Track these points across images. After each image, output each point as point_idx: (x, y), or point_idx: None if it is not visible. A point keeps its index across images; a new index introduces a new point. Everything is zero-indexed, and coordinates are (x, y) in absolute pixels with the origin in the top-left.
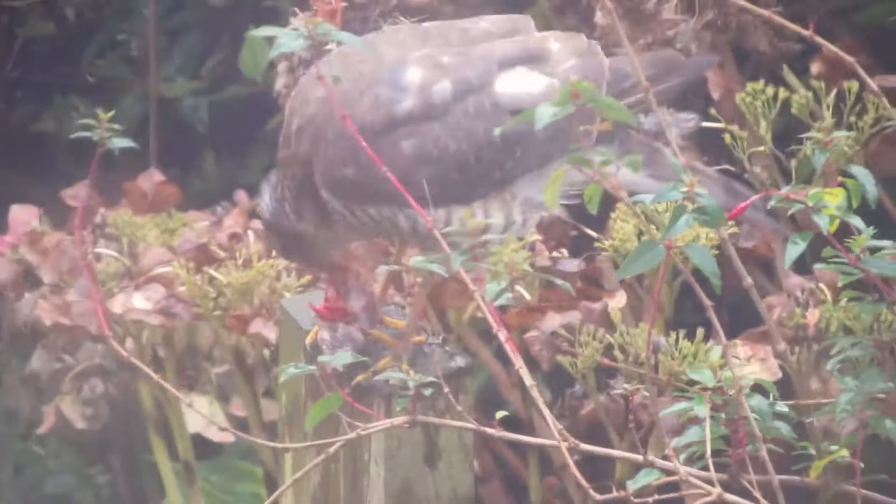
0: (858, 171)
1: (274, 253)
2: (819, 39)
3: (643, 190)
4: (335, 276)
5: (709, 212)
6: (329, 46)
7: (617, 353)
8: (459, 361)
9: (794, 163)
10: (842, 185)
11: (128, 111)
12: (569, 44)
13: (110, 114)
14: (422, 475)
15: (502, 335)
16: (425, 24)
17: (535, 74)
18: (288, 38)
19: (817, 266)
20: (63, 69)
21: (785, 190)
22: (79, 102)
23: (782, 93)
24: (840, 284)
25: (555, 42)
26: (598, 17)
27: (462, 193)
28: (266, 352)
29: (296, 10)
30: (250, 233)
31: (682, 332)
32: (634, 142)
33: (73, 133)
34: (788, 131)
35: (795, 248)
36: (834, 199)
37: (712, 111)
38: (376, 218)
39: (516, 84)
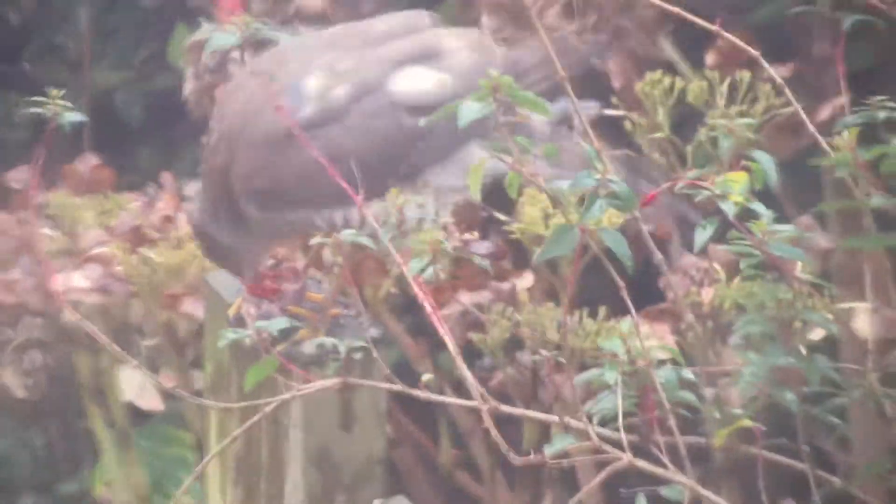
0: (760, 155)
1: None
2: (725, 34)
3: (546, 177)
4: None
5: (621, 197)
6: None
7: (525, 329)
8: (373, 332)
9: (689, 148)
10: (745, 168)
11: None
12: (462, 39)
13: (62, 91)
14: (338, 439)
15: (428, 306)
16: (331, 29)
17: (428, 71)
18: (221, 37)
19: (719, 246)
20: (1, 67)
21: (691, 175)
22: (18, 99)
23: (678, 83)
24: (742, 266)
25: (448, 38)
26: (484, 20)
27: (372, 189)
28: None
29: (201, 19)
30: (181, 215)
31: (585, 311)
32: (537, 132)
33: (22, 111)
34: (683, 119)
35: (703, 234)
36: (737, 183)
37: (613, 99)
38: (294, 221)
39: (410, 82)
